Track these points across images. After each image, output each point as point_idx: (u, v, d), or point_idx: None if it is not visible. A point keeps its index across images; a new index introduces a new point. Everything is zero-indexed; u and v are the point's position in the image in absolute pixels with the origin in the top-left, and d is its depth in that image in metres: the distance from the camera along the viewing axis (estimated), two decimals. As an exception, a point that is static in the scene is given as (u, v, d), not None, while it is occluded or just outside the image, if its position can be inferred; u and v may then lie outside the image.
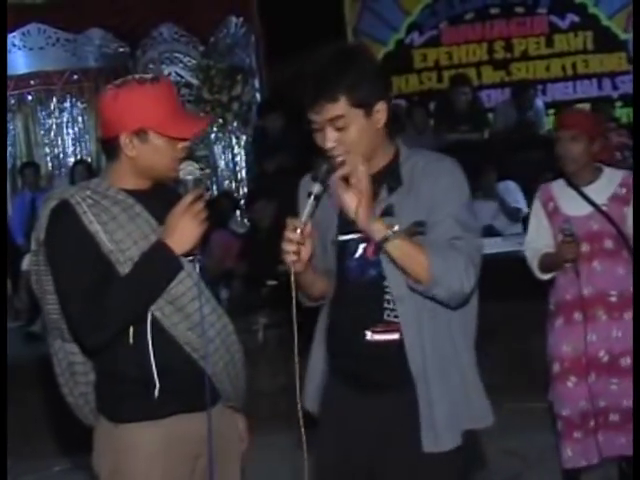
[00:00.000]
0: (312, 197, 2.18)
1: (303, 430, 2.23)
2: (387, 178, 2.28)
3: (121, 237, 2.23)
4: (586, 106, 9.27)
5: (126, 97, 2.24)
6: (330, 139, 2.22)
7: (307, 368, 2.49)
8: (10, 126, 9.56)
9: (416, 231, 2.22)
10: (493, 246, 6.51)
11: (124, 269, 2.22)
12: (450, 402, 2.28)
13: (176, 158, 2.29)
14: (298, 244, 2.18)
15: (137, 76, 2.31)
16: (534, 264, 3.80)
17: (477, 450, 2.43)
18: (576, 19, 9.46)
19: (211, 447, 2.30)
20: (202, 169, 9.14)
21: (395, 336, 2.27)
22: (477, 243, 2.26)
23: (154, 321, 2.26)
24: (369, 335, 2.29)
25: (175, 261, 2.25)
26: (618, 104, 9.24)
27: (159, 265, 2.24)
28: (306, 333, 2.39)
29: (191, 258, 2.31)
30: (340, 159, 2.20)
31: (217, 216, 7.54)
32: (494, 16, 9.61)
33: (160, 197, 2.33)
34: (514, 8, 9.59)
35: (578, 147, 3.65)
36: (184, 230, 2.23)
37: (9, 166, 9.56)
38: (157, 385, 2.25)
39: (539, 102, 8.73)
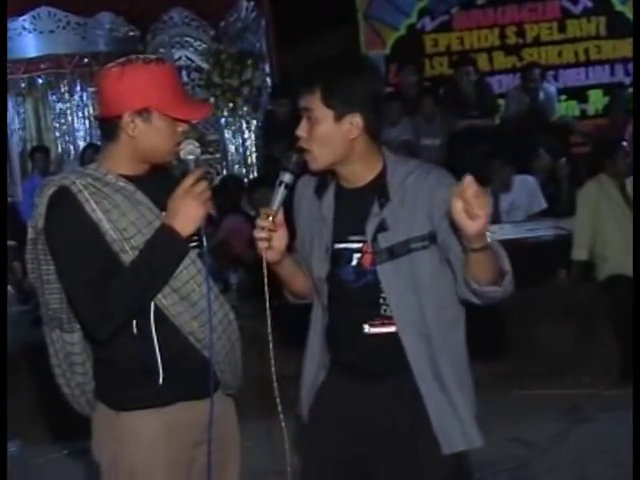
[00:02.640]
0: (282, 186, 2.27)
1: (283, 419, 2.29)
2: (377, 192, 2.30)
3: (125, 225, 2.19)
4: (599, 92, 9.26)
5: (132, 75, 2.20)
6: (301, 128, 2.28)
7: (302, 375, 2.50)
8: (20, 109, 9.56)
9: (413, 247, 2.24)
10: (501, 233, 6.48)
11: (128, 258, 2.19)
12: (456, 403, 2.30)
13: (175, 141, 2.26)
14: (270, 231, 2.24)
15: (141, 56, 2.26)
16: None
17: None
18: (589, 4, 9.38)
19: (210, 434, 2.28)
20: (203, 147, 9.10)
21: (392, 329, 2.31)
22: None
23: (157, 311, 2.23)
24: (367, 328, 2.32)
25: (181, 243, 2.21)
26: (630, 90, 9.17)
27: (165, 249, 2.20)
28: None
29: (195, 244, 2.28)
30: (304, 152, 2.27)
31: (227, 200, 7.53)
32: (506, 1, 9.54)
33: (159, 183, 2.29)
34: (526, -7, 9.53)
35: None
36: (187, 211, 2.19)
37: (19, 149, 9.57)
38: (161, 374, 2.23)
39: (551, 88, 8.67)
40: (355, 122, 2.25)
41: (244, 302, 5.86)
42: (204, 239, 2.27)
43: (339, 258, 2.34)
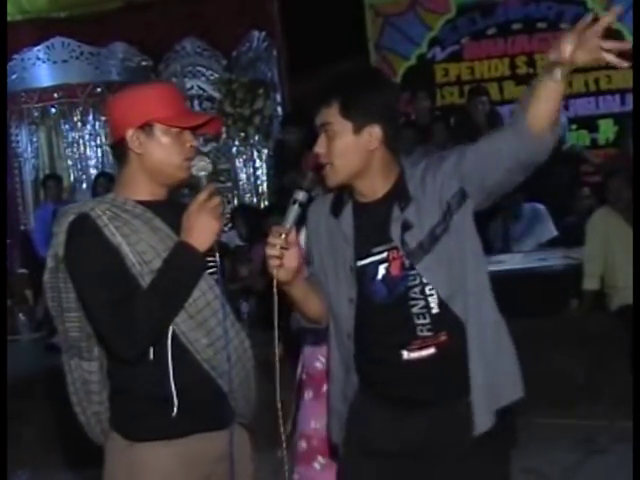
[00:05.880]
0: (297, 204, 2.23)
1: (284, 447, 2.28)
2: (397, 197, 2.28)
3: (144, 249, 2.20)
4: (609, 122, 9.26)
5: (130, 95, 2.28)
6: (319, 144, 2.26)
7: (328, 402, 2.48)
8: (33, 138, 9.63)
9: (437, 233, 2.22)
10: (512, 262, 6.47)
11: (147, 282, 2.18)
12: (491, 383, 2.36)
13: (185, 157, 2.27)
14: (281, 249, 2.19)
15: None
16: None
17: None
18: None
19: (233, 466, 2.26)
20: (214, 176, 9.11)
21: (431, 350, 2.26)
22: None
23: (174, 337, 2.21)
24: (406, 354, 2.26)
25: (199, 259, 2.21)
26: (641, 120, 9.18)
27: (184, 265, 2.20)
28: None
29: (212, 270, 2.28)
30: (321, 169, 2.24)
31: (247, 230, 7.55)
32: (516, 31, 9.57)
33: (176, 211, 2.29)
34: (536, 24, 9.54)
35: None
36: (203, 227, 2.19)
37: (32, 178, 9.62)
38: (175, 404, 2.20)
39: (562, 117, 8.66)
40: (374, 133, 2.24)
41: (255, 331, 5.84)
42: (218, 259, 2.27)
43: (364, 275, 2.29)
